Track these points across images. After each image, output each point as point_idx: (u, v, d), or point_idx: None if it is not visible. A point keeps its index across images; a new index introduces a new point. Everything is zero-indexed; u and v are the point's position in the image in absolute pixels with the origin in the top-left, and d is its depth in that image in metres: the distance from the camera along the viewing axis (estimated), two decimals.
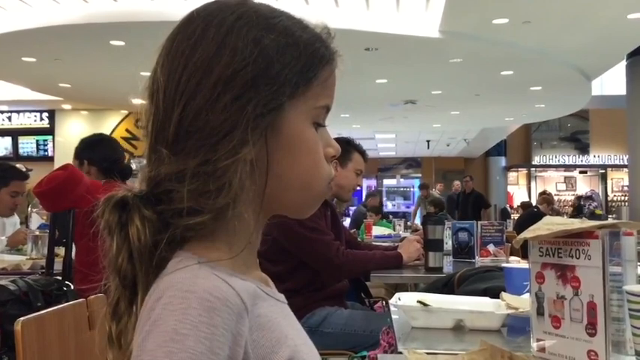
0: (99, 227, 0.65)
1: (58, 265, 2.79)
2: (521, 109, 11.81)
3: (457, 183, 12.44)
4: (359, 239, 4.37)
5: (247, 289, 0.61)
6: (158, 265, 0.63)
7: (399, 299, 1.37)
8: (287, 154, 0.67)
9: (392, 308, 1.38)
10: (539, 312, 1.01)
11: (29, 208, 4.27)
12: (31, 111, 13.76)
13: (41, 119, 13.91)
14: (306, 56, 0.67)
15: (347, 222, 8.28)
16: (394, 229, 6.58)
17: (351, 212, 9.29)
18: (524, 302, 1.24)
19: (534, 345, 1.02)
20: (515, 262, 2.46)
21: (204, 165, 0.62)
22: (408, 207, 18.92)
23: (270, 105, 0.64)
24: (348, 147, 2.83)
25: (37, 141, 13.93)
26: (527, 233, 0.99)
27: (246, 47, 0.64)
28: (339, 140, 3.23)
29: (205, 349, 0.55)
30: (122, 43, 6.91)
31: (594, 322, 0.91)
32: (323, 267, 2.51)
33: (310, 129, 0.68)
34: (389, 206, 18.05)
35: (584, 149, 19.09)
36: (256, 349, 0.59)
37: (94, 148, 2.96)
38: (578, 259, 0.94)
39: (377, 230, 6.11)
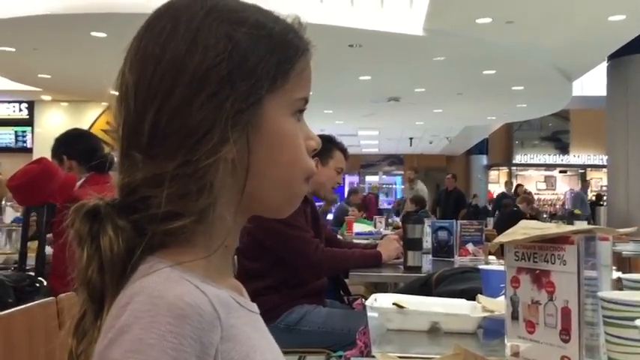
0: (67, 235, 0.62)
1: (31, 261, 2.74)
2: (503, 108, 11.89)
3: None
4: (339, 236, 4.36)
5: (220, 297, 0.59)
6: (130, 274, 0.60)
7: (375, 300, 1.36)
8: (268, 150, 0.65)
9: (368, 309, 1.37)
10: (514, 316, 1.01)
11: (3, 202, 4.19)
12: (9, 101, 13.55)
13: (20, 110, 13.71)
14: (281, 48, 0.65)
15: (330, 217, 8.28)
16: (375, 227, 6.58)
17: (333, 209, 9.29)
18: (500, 305, 1.23)
19: (508, 350, 1.02)
20: (495, 262, 2.47)
21: (183, 166, 0.60)
22: (389, 204, 18.99)
23: (248, 100, 0.62)
24: (329, 145, 2.82)
25: (16, 132, 13.74)
26: (503, 237, 0.98)
27: (219, 43, 0.62)
28: (320, 137, 3.21)
29: None
30: (103, 35, 6.82)
31: (568, 328, 0.91)
32: (301, 264, 2.50)
33: (291, 122, 0.67)
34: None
35: (564, 149, 19.31)
36: None
37: (71, 143, 2.91)
38: (553, 264, 0.94)
39: (358, 227, 6.11)
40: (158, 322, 0.53)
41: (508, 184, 14.32)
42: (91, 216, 0.62)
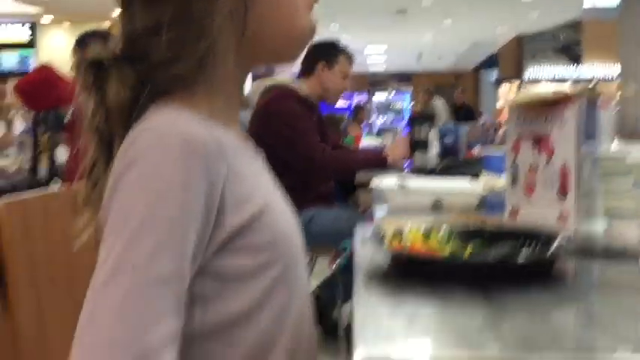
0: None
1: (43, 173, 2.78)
2: (513, 18, 11.60)
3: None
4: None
5: (227, 137, 0.62)
6: (136, 119, 0.62)
7: (381, 182, 1.39)
8: None
9: (373, 191, 1.40)
10: (514, 182, 1.03)
11: (11, 113, 4.23)
12: (12, 23, 13.34)
13: (22, 33, 13.51)
14: None
15: None
16: (383, 141, 6.57)
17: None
18: (502, 182, 1.26)
19: (507, 212, 1.05)
20: None
21: (180, 11, 0.61)
22: (398, 122, 18.86)
23: None
24: (333, 50, 2.79)
25: (20, 54, 13.59)
26: (506, 103, 0.99)
27: None
28: (325, 43, 3.15)
29: (181, 182, 0.55)
30: None
31: (566, 186, 0.93)
32: (308, 167, 2.52)
33: None
34: (378, 122, 18.03)
35: (576, 61, 18.90)
36: (231, 196, 0.59)
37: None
38: (553, 125, 0.95)
39: (365, 142, 6.12)
40: (167, 154, 0.56)
41: None
42: (95, 66, 0.63)
